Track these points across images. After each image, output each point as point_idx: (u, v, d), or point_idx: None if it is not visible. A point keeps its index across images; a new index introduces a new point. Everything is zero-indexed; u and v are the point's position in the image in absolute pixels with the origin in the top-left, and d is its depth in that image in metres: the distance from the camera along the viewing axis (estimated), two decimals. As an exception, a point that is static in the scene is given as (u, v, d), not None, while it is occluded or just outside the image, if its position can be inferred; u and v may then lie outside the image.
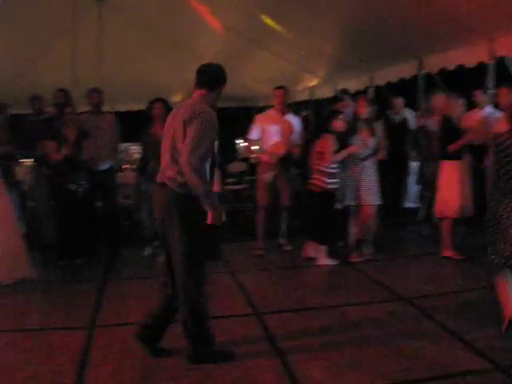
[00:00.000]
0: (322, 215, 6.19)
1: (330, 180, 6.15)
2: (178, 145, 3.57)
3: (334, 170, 6.17)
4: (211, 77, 3.78)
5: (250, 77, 10.48)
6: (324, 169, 6.15)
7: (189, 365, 3.74)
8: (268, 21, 7.72)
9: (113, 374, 3.64)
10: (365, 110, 6.40)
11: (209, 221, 3.58)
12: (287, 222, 6.99)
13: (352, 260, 6.31)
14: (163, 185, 3.66)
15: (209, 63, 3.88)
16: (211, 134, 3.53)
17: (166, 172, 3.66)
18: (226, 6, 7.81)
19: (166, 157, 3.70)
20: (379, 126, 6.52)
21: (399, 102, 7.83)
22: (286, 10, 7.27)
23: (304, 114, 7.68)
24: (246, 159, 9.11)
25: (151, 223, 6.62)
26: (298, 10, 7.03)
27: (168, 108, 6.40)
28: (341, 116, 6.23)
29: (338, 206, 6.34)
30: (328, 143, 6.12)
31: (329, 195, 6.19)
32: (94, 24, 8.25)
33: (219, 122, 7.12)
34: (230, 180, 9.19)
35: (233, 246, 7.20)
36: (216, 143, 3.73)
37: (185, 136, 3.51)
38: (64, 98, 7.03)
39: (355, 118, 6.46)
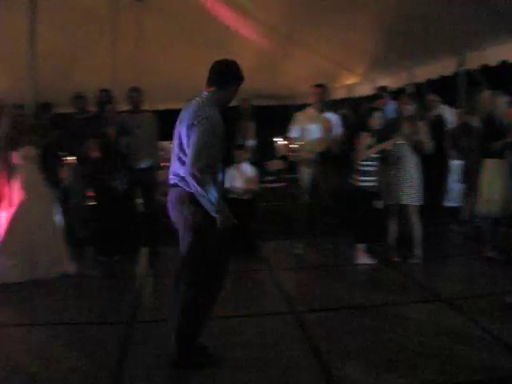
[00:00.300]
0: (358, 213, 6.14)
1: (364, 178, 6.10)
2: (184, 148, 3.51)
3: (370, 168, 6.11)
4: (221, 74, 3.64)
5: (288, 75, 10.47)
6: (359, 166, 6.11)
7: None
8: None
9: (150, 369, 3.68)
10: (408, 108, 6.30)
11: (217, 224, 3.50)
12: (327, 221, 6.95)
13: (392, 259, 6.24)
14: (175, 185, 3.61)
15: (222, 60, 3.71)
16: (214, 140, 3.43)
17: (177, 173, 3.59)
18: (264, 4, 7.81)
19: (175, 158, 3.63)
20: (422, 124, 6.40)
21: (431, 98, 7.67)
22: (325, 6, 7.22)
23: (341, 111, 7.61)
24: (284, 157, 9.09)
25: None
26: (337, 6, 6.98)
27: None
28: (378, 113, 6.16)
29: (379, 204, 6.27)
30: (361, 140, 6.08)
31: (364, 193, 6.13)
32: (134, 24, 8.38)
33: (258, 120, 7.19)
34: (269, 178, 9.21)
35: (272, 244, 7.20)
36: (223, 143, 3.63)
37: (189, 139, 3.45)
38: (106, 98, 7.15)
39: (399, 116, 6.37)
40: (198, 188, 3.37)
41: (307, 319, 4.54)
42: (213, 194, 3.40)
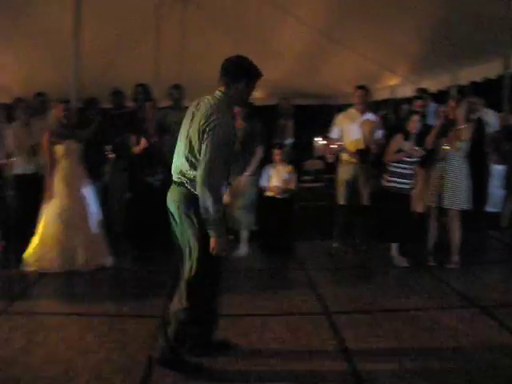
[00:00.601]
0: (391, 214, 6.09)
1: (393, 179, 6.06)
2: (195, 152, 3.42)
3: (401, 170, 6.04)
4: (231, 72, 3.50)
5: (330, 74, 10.43)
6: (389, 167, 6.08)
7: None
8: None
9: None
10: (455, 112, 6.17)
11: (211, 247, 3.41)
12: (364, 222, 6.90)
13: (428, 264, 6.15)
14: (180, 183, 3.53)
15: (233, 56, 3.57)
16: (225, 147, 3.36)
17: (183, 172, 3.50)
18: (308, 4, 7.80)
19: (181, 156, 3.53)
20: (470, 128, 6.26)
21: (472, 101, 7.45)
22: (368, 7, 7.17)
23: (382, 113, 7.55)
24: (323, 157, 9.07)
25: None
26: (381, 7, 6.92)
27: (248, 107, 6.51)
28: (416, 116, 6.08)
29: (417, 207, 6.20)
30: (393, 142, 6.04)
31: (392, 194, 6.07)
32: (178, 21, 8.48)
33: (298, 119, 7.18)
34: (307, 178, 9.20)
35: (308, 244, 7.19)
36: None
37: (200, 145, 3.37)
38: (142, 93, 7.23)
39: (447, 121, 6.24)
40: (205, 202, 3.31)
41: (339, 320, 4.52)
42: (216, 213, 3.32)
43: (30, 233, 5.98)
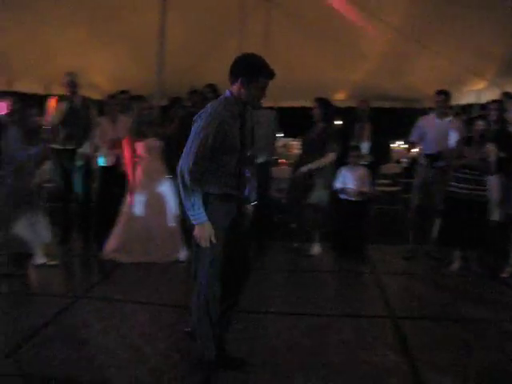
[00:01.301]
0: (454, 220, 5.96)
1: (457, 184, 5.95)
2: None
3: (467, 176, 5.89)
4: (239, 71, 3.41)
5: (414, 77, 10.23)
6: (455, 173, 5.98)
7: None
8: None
9: (247, 356, 3.80)
10: None
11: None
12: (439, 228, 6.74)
13: (502, 275, 5.94)
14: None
15: (241, 55, 3.51)
16: (206, 138, 3.29)
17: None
18: (391, 6, 7.72)
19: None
20: None
21: None
22: (454, 8, 7.00)
23: (465, 117, 7.33)
24: (400, 161, 8.96)
25: (299, 218, 6.84)
26: (465, 7, 6.73)
27: (326, 108, 6.54)
28: (480, 122, 5.92)
29: (495, 215, 6.02)
30: (456, 148, 5.95)
31: (459, 200, 5.93)
32: (262, 24, 8.61)
33: (378, 122, 7.10)
34: (383, 181, 9.09)
35: (382, 247, 7.12)
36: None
37: None
38: (211, 93, 7.35)
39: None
40: (181, 189, 3.36)
41: (405, 326, 4.47)
42: (195, 201, 3.34)
43: (111, 223, 6.32)
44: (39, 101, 9.48)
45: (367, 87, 11.38)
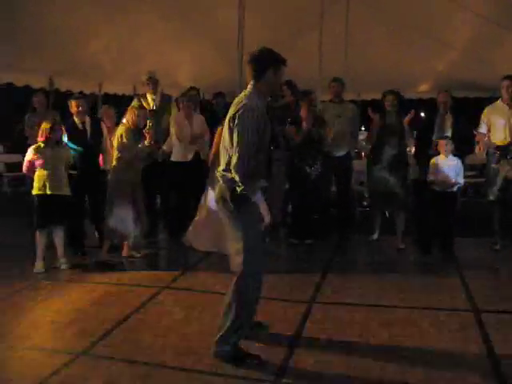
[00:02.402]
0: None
1: None
2: (226, 143, 3.54)
3: None
4: (253, 66, 3.57)
5: (501, 65, 9.81)
6: None
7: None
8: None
9: (324, 347, 3.88)
10: None
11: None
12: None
13: None
14: (223, 181, 3.62)
15: (255, 50, 3.62)
16: (253, 132, 3.38)
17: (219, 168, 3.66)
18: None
19: (223, 156, 3.65)
20: None
21: None
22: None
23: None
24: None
25: (378, 210, 6.81)
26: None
27: (399, 100, 6.46)
28: None
29: None
30: None
31: None
32: (342, 16, 8.56)
33: (463, 112, 6.89)
34: (469, 173, 8.79)
35: (465, 240, 6.92)
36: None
37: (231, 136, 3.46)
38: (289, 89, 7.37)
39: None
40: (245, 184, 3.42)
41: (488, 320, 4.34)
42: (258, 196, 3.51)
43: (191, 216, 6.60)
44: (129, 101, 10.00)
45: (452, 77, 11.05)
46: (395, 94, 6.65)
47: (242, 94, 3.62)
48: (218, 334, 3.68)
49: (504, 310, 4.60)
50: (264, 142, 3.55)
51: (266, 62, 3.55)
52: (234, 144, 3.42)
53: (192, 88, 8.08)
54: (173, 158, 7.19)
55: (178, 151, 7.09)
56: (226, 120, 3.57)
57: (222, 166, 3.64)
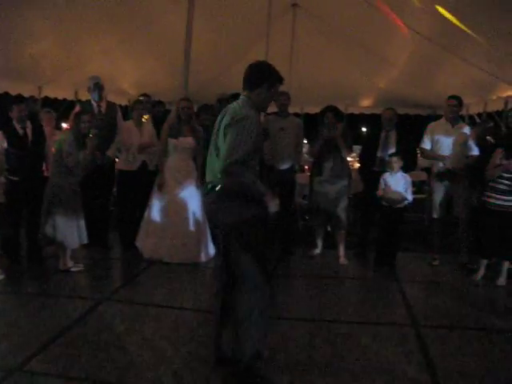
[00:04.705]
0: (490, 231, 5.89)
1: (493, 195, 5.84)
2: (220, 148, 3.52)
3: (503, 187, 5.78)
4: (249, 77, 3.61)
5: (441, 84, 10.16)
6: (491, 183, 5.88)
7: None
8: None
9: (266, 364, 3.78)
10: None
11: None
12: (465, 237, 6.66)
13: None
14: (212, 186, 3.57)
15: (254, 62, 3.68)
16: (248, 140, 3.36)
17: (209, 173, 3.64)
18: (416, 11, 7.69)
19: (209, 159, 3.67)
20: None
21: None
22: (478, 12, 6.91)
23: (490, 124, 7.23)
24: (427, 169, 8.86)
25: (320, 224, 6.86)
26: (491, 11, 6.64)
27: (339, 117, 6.60)
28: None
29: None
30: (493, 157, 5.85)
31: (494, 211, 5.83)
32: (288, 29, 8.66)
33: (404, 129, 7.07)
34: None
35: (405, 255, 7.05)
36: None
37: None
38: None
39: None
40: (233, 180, 3.40)
41: (427, 334, 4.44)
42: (254, 182, 3.44)
43: (134, 225, 6.57)
44: (70, 106, 9.77)
45: (393, 94, 11.36)
46: (333, 109, 6.75)
47: (235, 103, 3.59)
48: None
49: (442, 324, 4.72)
50: (256, 150, 3.53)
51: (263, 76, 3.58)
52: (226, 143, 3.41)
53: (144, 95, 7.95)
54: (119, 167, 7.06)
55: (124, 159, 6.97)
56: (220, 129, 3.54)
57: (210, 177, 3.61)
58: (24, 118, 6.03)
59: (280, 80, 3.64)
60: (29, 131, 6.10)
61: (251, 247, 3.51)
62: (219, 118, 3.65)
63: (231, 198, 3.47)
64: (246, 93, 3.61)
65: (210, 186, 3.60)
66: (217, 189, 3.51)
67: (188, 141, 6.46)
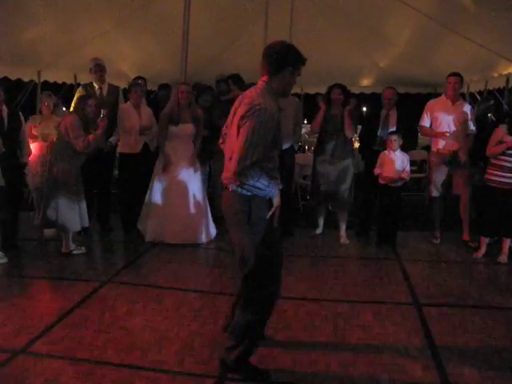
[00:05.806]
0: (492, 209, 5.90)
1: (495, 172, 5.85)
2: (233, 143, 3.19)
3: (505, 164, 5.78)
4: (271, 60, 3.19)
5: (441, 62, 10.08)
6: (492, 161, 5.87)
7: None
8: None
9: (269, 342, 3.82)
10: None
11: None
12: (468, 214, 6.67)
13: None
14: (226, 186, 3.29)
15: (273, 43, 3.27)
16: (265, 134, 3.06)
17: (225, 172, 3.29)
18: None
19: (226, 154, 3.34)
20: None
21: None
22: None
23: (491, 102, 7.20)
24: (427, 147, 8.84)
25: (319, 203, 6.86)
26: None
27: (347, 94, 6.54)
28: None
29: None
30: (494, 134, 5.83)
31: (497, 189, 5.84)
32: (287, 10, 8.57)
33: (405, 108, 7.04)
34: (412, 168, 9.00)
35: (407, 234, 7.09)
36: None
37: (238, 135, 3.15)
38: (235, 84, 7.35)
39: None
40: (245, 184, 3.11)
41: (428, 313, 4.47)
42: (265, 184, 3.13)
43: (135, 208, 6.64)
44: (69, 89, 9.74)
45: (394, 73, 11.30)
46: (342, 87, 6.68)
47: (253, 91, 3.24)
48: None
49: (443, 303, 4.74)
50: (275, 143, 3.21)
51: (286, 60, 3.18)
52: (238, 141, 3.10)
53: (139, 77, 7.92)
54: (121, 150, 7.03)
55: (126, 142, 6.90)
56: (234, 120, 3.24)
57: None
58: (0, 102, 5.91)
59: (303, 62, 3.26)
60: (4, 115, 6.01)
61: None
62: (235, 104, 3.33)
63: (243, 202, 3.20)
64: (264, 78, 3.24)
65: (223, 182, 3.32)
66: (230, 189, 3.24)
67: (188, 127, 6.45)
